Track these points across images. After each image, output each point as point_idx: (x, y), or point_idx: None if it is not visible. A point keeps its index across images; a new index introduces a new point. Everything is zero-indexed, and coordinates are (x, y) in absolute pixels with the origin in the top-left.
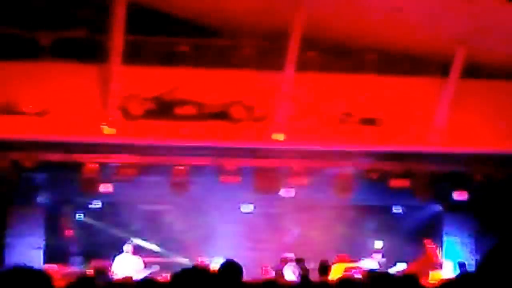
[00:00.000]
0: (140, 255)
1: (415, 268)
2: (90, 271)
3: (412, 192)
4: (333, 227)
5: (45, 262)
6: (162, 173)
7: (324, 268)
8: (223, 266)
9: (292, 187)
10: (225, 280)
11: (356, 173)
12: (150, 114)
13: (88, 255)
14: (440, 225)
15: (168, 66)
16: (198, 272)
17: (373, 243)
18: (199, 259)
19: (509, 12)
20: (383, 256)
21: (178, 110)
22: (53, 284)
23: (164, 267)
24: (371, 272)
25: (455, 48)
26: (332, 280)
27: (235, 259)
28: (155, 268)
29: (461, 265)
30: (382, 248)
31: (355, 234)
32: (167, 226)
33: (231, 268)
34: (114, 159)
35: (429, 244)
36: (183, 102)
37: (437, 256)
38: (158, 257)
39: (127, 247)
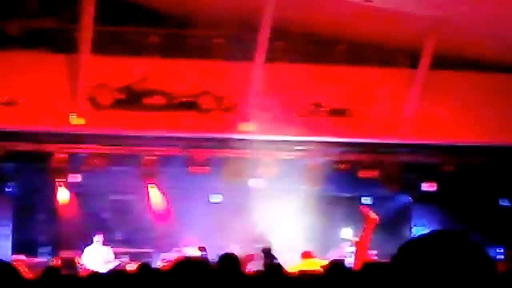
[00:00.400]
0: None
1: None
2: (57, 262)
3: (381, 183)
4: (303, 218)
5: (13, 252)
6: (131, 163)
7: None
8: (221, 258)
9: (261, 178)
10: (224, 272)
11: (326, 163)
12: (119, 104)
13: (56, 246)
14: (409, 215)
15: (137, 57)
16: (197, 264)
17: (341, 232)
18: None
19: (477, 2)
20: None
21: (147, 100)
22: (21, 276)
23: (133, 257)
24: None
25: (423, 39)
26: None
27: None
28: (125, 258)
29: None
30: (351, 236)
31: (324, 224)
32: (136, 216)
33: (230, 260)
34: (83, 149)
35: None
36: (152, 92)
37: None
38: (127, 247)
39: (98, 238)
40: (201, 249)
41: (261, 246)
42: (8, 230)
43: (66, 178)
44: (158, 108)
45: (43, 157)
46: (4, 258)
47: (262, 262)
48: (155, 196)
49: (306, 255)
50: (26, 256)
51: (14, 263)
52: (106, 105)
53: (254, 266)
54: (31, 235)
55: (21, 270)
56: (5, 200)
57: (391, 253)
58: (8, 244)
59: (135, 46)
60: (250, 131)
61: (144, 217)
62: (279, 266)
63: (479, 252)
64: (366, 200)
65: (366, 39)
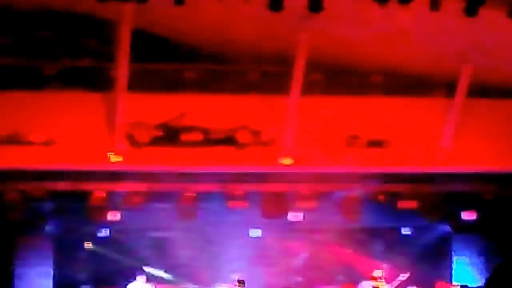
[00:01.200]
0: (152, 283)
1: None
2: None
3: (420, 213)
4: (342, 250)
5: None
6: (170, 199)
7: None
8: None
9: (300, 211)
10: None
11: (364, 195)
12: (156, 141)
13: (97, 284)
14: (449, 245)
15: (173, 93)
16: None
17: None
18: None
19: None
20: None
21: (185, 137)
22: None
23: None
24: None
25: (460, 67)
26: None
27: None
28: None
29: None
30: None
31: (364, 256)
32: (176, 252)
33: None
34: (122, 187)
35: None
36: (189, 129)
37: None
38: (169, 284)
39: (141, 277)
40: (241, 282)
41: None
42: (49, 269)
43: (105, 216)
44: (195, 144)
45: (82, 196)
46: None
47: None
48: None
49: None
50: None
51: None
52: (144, 142)
53: None
54: (72, 274)
55: None
56: (45, 239)
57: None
58: (49, 283)
59: (172, 83)
60: (288, 164)
61: (184, 253)
62: None
63: None
64: (406, 230)
65: (402, 69)
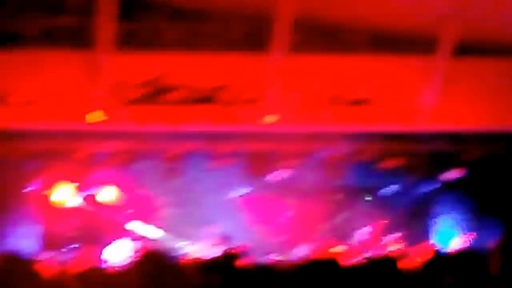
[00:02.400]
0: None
1: None
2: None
3: (404, 172)
4: (326, 210)
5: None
6: (153, 159)
7: None
8: None
9: (284, 170)
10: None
11: (348, 154)
12: (139, 100)
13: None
14: (433, 204)
15: (155, 52)
16: None
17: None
18: None
19: None
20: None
21: (167, 96)
22: None
23: None
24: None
25: (445, 24)
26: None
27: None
28: None
29: None
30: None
31: (347, 216)
32: (160, 212)
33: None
34: (104, 147)
35: None
36: (172, 88)
37: None
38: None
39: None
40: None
41: None
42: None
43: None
44: (178, 103)
45: (64, 157)
46: None
47: None
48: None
49: None
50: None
51: None
52: (126, 101)
53: None
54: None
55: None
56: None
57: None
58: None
59: (153, 41)
60: (271, 123)
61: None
62: None
63: None
64: (390, 189)
65: (385, 27)
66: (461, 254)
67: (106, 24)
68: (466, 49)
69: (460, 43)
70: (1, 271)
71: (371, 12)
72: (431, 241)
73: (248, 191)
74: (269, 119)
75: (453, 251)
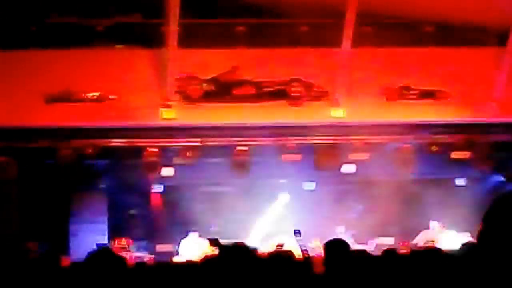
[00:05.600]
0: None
1: None
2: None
3: (473, 164)
4: (396, 202)
5: None
6: (223, 154)
7: None
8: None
9: (353, 163)
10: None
11: (417, 146)
12: (208, 95)
13: (151, 240)
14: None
15: (224, 48)
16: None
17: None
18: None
19: None
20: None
21: (237, 91)
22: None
23: None
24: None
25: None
26: None
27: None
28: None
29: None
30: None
31: (417, 208)
32: (230, 208)
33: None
34: (175, 143)
35: None
36: (241, 83)
37: None
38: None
39: (194, 234)
40: (297, 232)
41: None
42: (103, 226)
43: (159, 172)
44: (248, 98)
45: (135, 152)
46: None
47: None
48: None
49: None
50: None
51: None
52: (196, 97)
53: None
54: (127, 231)
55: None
56: (100, 197)
57: None
58: (104, 239)
59: (223, 38)
60: (340, 117)
61: (238, 208)
62: None
63: None
64: (460, 182)
65: (454, 19)
66: None
67: (173, 20)
68: None
69: None
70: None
71: (440, 4)
72: None
73: (318, 185)
74: (339, 113)
75: None
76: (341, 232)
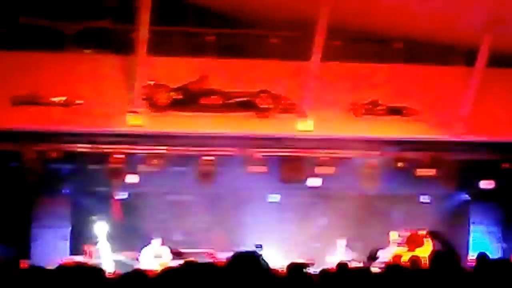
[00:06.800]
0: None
1: None
2: None
3: (438, 181)
4: (360, 217)
5: (71, 253)
6: (189, 163)
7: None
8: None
9: (318, 177)
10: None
11: (383, 162)
12: (176, 104)
13: (114, 247)
14: (467, 214)
15: (194, 57)
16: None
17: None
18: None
19: None
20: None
21: (204, 100)
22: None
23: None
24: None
25: (480, 36)
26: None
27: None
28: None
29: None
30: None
31: (382, 224)
32: (193, 217)
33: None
34: (140, 150)
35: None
36: (209, 92)
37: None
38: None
39: (156, 241)
40: (258, 246)
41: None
42: (66, 232)
43: (123, 179)
44: (215, 108)
45: (101, 158)
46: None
47: None
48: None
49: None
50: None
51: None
52: (163, 105)
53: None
54: (89, 236)
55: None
56: (63, 201)
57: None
58: (66, 244)
59: (192, 46)
60: (307, 130)
61: (202, 218)
62: None
63: None
64: (425, 198)
65: (423, 37)
66: (496, 264)
67: (143, 27)
68: (500, 61)
69: (494, 56)
70: None
71: (411, 21)
72: (465, 251)
73: (283, 198)
74: (306, 126)
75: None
76: (341, 246)
